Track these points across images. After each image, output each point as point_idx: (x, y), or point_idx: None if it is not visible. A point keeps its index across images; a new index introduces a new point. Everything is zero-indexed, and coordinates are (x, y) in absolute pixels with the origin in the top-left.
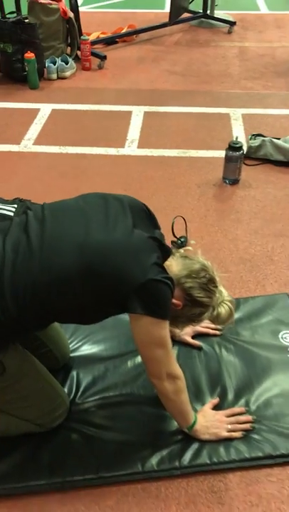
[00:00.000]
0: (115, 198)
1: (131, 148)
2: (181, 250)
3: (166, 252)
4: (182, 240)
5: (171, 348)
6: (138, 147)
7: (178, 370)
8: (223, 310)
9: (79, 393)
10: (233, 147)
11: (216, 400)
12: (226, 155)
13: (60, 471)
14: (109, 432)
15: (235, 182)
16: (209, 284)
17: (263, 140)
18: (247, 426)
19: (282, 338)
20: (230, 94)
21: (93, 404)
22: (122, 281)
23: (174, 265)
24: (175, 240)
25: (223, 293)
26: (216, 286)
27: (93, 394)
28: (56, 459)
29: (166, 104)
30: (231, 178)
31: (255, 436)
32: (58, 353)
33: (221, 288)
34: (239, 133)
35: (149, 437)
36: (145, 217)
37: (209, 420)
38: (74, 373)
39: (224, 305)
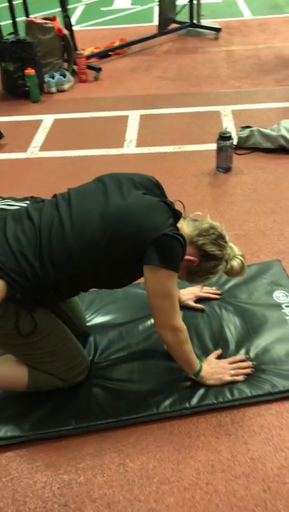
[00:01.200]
0: (126, 175)
1: (130, 147)
2: (191, 215)
3: (176, 215)
4: None
5: (177, 303)
6: (136, 146)
7: (181, 323)
8: (235, 263)
9: (97, 354)
10: (223, 137)
11: (219, 351)
12: (218, 145)
13: (85, 417)
14: (126, 383)
15: (228, 170)
16: (219, 240)
17: (252, 130)
18: (248, 370)
19: (276, 297)
20: (220, 93)
21: (111, 363)
22: (141, 236)
23: (186, 227)
24: None
25: (234, 249)
26: (226, 242)
27: (110, 354)
28: (81, 408)
29: (160, 106)
30: (224, 167)
31: (256, 378)
32: (77, 320)
33: (232, 244)
34: (229, 127)
35: (162, 386)
36: (155, 188)
37: (214, 367)
38: (91, 338)
39: (236, 259)
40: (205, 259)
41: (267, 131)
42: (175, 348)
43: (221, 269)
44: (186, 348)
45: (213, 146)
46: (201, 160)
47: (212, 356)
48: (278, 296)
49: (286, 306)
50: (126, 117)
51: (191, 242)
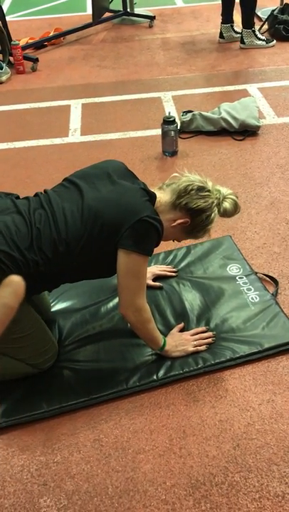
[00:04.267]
0: (97, 167)
1: (75, 136)
2: (166, 181)
3: (152, 196)
4: None
5: (145, 284)
6: (81, 134)
7: (145, 303)
8: (227, 204)
9: (63, 338)
10: (167, 121)
11: (181, 325)
12: (162, 129)
13: (57, 399)
14: (94, 363)
15: (173, 154)
16: (200, 192)
17: (194, 114)
18: (209, 340)
19: (229, 269)
20: (159, 80)
21: (77, 346)
22: (118, 222)
23: (164, 195)
24: None
25: (222, 190)
26: (209, 190)
27: (75, 337)
28: (51, 391)
29: (102, 95)
30: (170, 151)
31: (217, 347)
32: (43, 307)
33: (218, 187)
34: (172, 112)
35: (129, 362)
36: (127, 174)
37: (177, 340)
38: (56, 324)
39: (227, 199)
40: (195, 215)
41: (208, 114)
42: (139, 327)
43: (215, 215)
44: (150, 326)
45: (158, 132)
46: (147, 145)
47: (175, 330)
48: (232, 269)
49: (240, 278)
50: (68, 107)
51: (175, 206)
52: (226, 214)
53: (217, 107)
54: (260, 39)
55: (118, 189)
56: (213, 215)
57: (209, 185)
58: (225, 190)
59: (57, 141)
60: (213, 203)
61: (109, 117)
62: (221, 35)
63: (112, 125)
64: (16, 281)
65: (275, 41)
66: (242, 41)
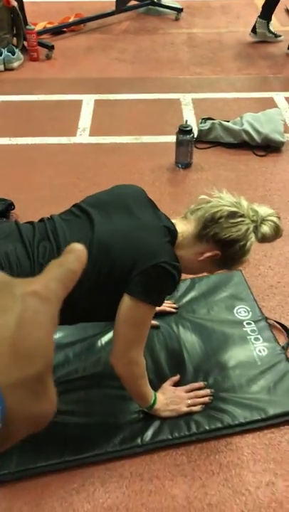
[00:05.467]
0: (113, 193)
1: (82, 136)
2: (192, 206)
3: (173, 234)
4: None
5: (146, 335)
6: (90, 135)
7: (141, 357)
8: (266, 228)
9: None
10: (184, 130)
11: (176, 378)
12: (177, 139)
13: (24, 459)
14: (71, 416)
15: (187, 166)
16: (231, 219)
17: (213, 123)
18: (206, 399)
19: (237, 312)
20: (180, 79)
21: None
22: (130, 265)
23: (188, 226)
24: None
25: (260, 212)
26: (241, 215)
27: (55, 381)
28: (18, 448)
29: (117, 91)
30: (183, 162)
31: (214, 409)
32: None
33: (256, 207)
34: (190, 117)
35: (112, 418)
36: (147, 204)
37: (169, 397)
38: None
39: (266, 222)
40: (226, 247)
41: (229, 124)
42: (128, 382)
43: (251, 243)
44: (141, 383)
45: (173, 139)
46: (160, 153)
47: (168, 384)
48: (240, 311)
49: (247, 324)
50: (79, 102)
51: (201, 237)
52: (265, 239)
53: (239, 117)
54: (271, 32)
55: (136, 224)
56: (248, 244)
57: (244, 206)
58: (264, 211)
59: (63, 140)
60: (248, 229)
61: (122, 117)
62: (254, 30)
63: (125, 127)
64: (78, 248)
65: (283, 36)
66: (254, 30)
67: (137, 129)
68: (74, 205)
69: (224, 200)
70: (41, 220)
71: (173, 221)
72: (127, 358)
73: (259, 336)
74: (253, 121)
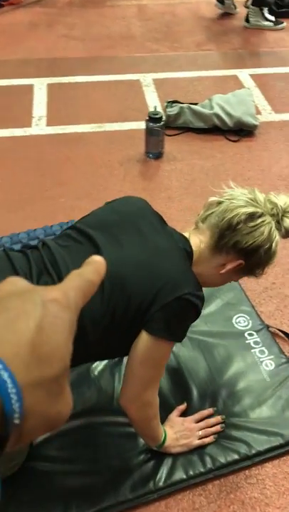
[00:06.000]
0: (116, 210)
1: (39, 126)
2: (201, 212)
3: (190, 254)
4: None
5: (163, 373)
6: (47, 125)
7: (155, 397)
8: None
9: None
10: (154, 118)
11: (182, 406)
12: (147, 127)
13: None
14: (70, 464)
15: (159, 156)
16: (250, 222)
17: (181, 107)
18: (218, 428)
19: (236, 322)
20: (137, 58)
21: (50, 435)
22: (148, 300)
23: (203, 237)
24: None
25: (279, 203)
26: (260, 215)
27: None
28: (13, 502)
29: (70, 73)
30: (154, 152)
31: (228, 437)
32: None
33: (272, 198)
34: (153, 100)
35: (117, 461)
36: (155, 220)
37: (178, 431)
38: None
39: (288, 215)
40: (250, 254)
41: (199, 108)
42: (141, 424)
43: (277, 243)
44: (154, 423)
45: (138, 125)
46: (126, 143)
47: (175, 414)
48: (238, 321)
49: (249, 335)
50: (30, 87)
51: (219, 248)
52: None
53: (208, 99)
54: (267, 19)
55: (150, 249)
56: (274, 245)
57: (260, 201)
58: (283, 201)
59: (18, 132)
60: (271, 229)
61: (80, 103)
62: (222, 1)
63: (84, 114)
64: (97, 260)
65: (285, 23)
66: (247, 19)
67: (98, 116)
68: (71, 228)
69: (237, 199)
70: (33, 248)
71: (185, 234)
72: (141, 400)
73: (264, 349)
74: (224, 104)
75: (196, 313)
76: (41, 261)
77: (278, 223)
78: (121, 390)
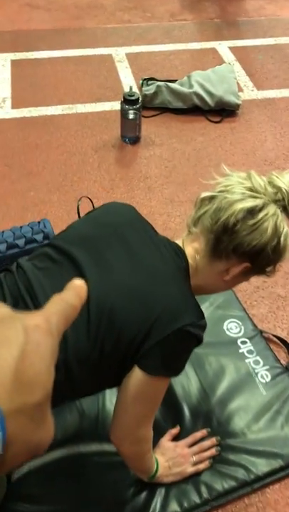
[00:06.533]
0: (99, 222)
1: (4, 109)
2: (192, 213)
3: (187, 269)
4: None
5: (158, 406)
6: (13, 107)
7: (149, 432)
8: None
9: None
10: (129, 100)
11: (175, 430)
12: (122, 109)
13: None
14: (55, 502)
15: (136, 140)
16: (249, 221)
17: (158, 86)
18: (212, 451)
19: (227, 328)
20: (108, 30)
21: (29, 469)
22: (147, 330)
23: (198, 244)
24: None
25: (282, 186)
26: (261, 208)
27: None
28: None
29: (36, 48)
30: (131, 136)
31: (224, 462)
32: None
33: (275, 180)
34: (128, 77)
35: (105, 494)
36: (143, 229)
37: (170, 458)
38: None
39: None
40: (255, 256)
41: (177, 87)
42: (133, 459)
43: (286, 236)
44: (147, 457)
45: (112, 106)
46: (100, 125)
47: (166, 439)
48: (230, 327)
49: (242, 343)
50: None
51: (218, 254)
52: None
53: (186, 77)
54: None
55: (142, 270)
56: (282, 238)
57: (260, 187)
58: (287, 181)
59: None
60: (276, 221)
61: (48, 81)
62: None
63: (53, 94)
64: (78, 284)
65: None
66: None
67: (69, 96)
68: (49, 245)
69: (231, 191)
70: (6, 270)
71: (178, 242)
72: (134, 436)
73: (258, 358)
74: (204, 82)
75: (198, 343)
76: (16, 288)
77: (285, 209)
78: (112, 426)
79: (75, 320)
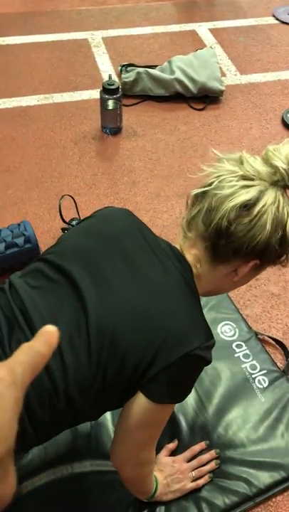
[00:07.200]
0: (93, 231)
1: None
2: (184, 211)
3: (191, 277)
4: (74, 223)
5: (162, 430)
6: None
7: (153, 454)
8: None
9: None
10: (109, 89)
11: (172, 445)
12: (101, 99)
13: None
14: None
15: (117, 131)
16: (242, 219)
17: (138, 72)
18: (212, 465)
19: (221, 331)
20: (82, 12)
21: (19, 497)
22: (151, 357)
23: (196, 249)
24: (66, 226)
25: (280, 167)
26: (256, 201)
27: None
28: None
29: (6, 33)
30: (112, 127)
31: (224, 477)
32: None
33: (272, 159)
34: (105, 64)
35: None
36: (142, 237)
37: (169, 475)
38: None
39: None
40: (261, 252)
41: (158, 73)
42: (134, 482)
43: None
44: (148, 480)
45: (91, 95)
46: (79, 116)
47: (163, 454)
48: (224, 330)
49: (237, 346)
50: None
51: (221, 259)
52: None
53: (167, 62)
54: None
55: (145, 287)
56: (288, 227)
57: (253, 169)
58: (285, 155)
59: None
60: (278, 206)
61: (21, 69)
62: None
63: (27, 83)
64: (49, 330)
65: None
66: None
67: (44, 85)
68: (42, 260)
69: (222, 184)
70: None
71: (176, 246)
72: (137, 459)
73: (255, 363)
74: (186, 67)
75: (206, 365)
76: (9, 309)
77: (287, 188)
78: (113, 449)
79: (74, 346)
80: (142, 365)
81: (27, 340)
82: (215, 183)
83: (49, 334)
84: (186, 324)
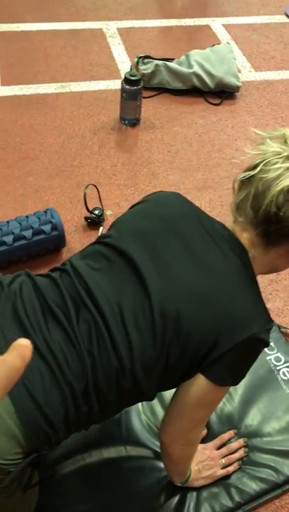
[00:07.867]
0: (151, 215)
1: None
2: (233, 197)
3: (248, 261)
4: (97, 212)
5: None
6: (3, 84)
7: (201, 433)
8: None
9: None
10: (131, 80)
11: (203, 433)
12: (123, 90)
13: None
14: (84, 504)
15: (135, 123)
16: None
17: (157, 65)
18: (241, 453)
19: None
20: (97, 2)
21: (56, 479)
22: (214, 339)
23: (247, 233)
24: (89, 215)
25: None
26: None
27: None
28: None
29: (21, 20)
30: (131, 119)
31: (252, 463)
32: None
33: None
34: (121, 54)
35: (132, 500)
36: (198, 220)
37: (200, 461)
38: None
39: None
40: None
41: (176, 66)
42: (178, 462)
43: None
44: (190, 460)
45: (108, 85)
46: (97, 106)
47: None
48: None
49: None
50: None
51: (273, 242)
52: None
53: (185, 56)
54: None
55: (205, 271)
56: None
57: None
58: None
59: None
60: None
61: (37, 57)
62: None
63: (44, 70)
64: (22, 343)
65: None
66: None
67: (61, 74)
68: (100, 243)
69: (268, 167)
70: (58, 270)
71: (230, 228)
72: (187, 438)
73: (279, 355)
74: (203, 62)
75: (265, 346)
76: (75, 291)
77: None
78: (164, 426)
79: (140, 326)
80: (204, 347)
81: (94, 320)
82: (260, 166)
83: (22, 348)
84: (247, 308)
